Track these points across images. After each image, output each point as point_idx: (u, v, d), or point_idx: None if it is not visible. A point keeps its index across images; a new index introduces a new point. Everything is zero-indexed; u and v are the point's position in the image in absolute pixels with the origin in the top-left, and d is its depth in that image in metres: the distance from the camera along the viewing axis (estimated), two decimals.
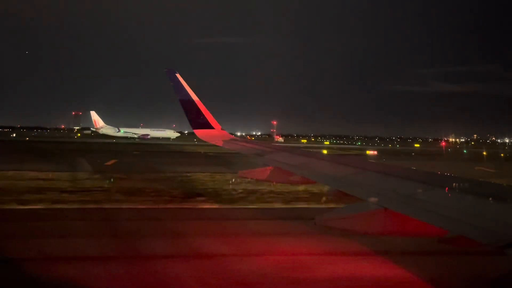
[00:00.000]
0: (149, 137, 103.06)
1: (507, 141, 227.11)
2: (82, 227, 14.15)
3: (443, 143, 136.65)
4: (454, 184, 5.14)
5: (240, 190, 21.92)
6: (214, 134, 14.59)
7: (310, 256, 12.01)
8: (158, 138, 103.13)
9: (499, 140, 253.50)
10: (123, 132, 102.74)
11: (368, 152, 70.59)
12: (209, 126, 14.63)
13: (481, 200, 4.35)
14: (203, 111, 14.52)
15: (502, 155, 74.94)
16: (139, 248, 12.03)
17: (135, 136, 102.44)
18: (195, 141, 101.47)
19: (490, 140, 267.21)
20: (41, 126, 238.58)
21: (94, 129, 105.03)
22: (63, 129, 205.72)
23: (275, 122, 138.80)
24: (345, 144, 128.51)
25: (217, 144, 14.31)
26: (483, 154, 75.44)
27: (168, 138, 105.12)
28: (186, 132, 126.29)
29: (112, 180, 24.44)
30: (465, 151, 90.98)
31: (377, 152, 68.66)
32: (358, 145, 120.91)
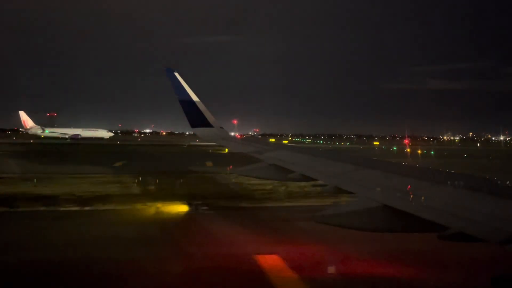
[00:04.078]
0: (80, 137, 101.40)
1: (501, 138, 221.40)
2: None
3: (406, 141, 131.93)
4: (453, 180, 5.12)
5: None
6: (213, 133, 14.61)
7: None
8: (91, 138, 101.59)
9: (493, 138, 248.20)
10: (48, 132, 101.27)
11: None
12: (208, 125, 14.54)
13: (481, 197, 4.35)
14: (202, 110, 14.48)
15: (422, 151, 70.90)
16: None
17: (66, 136, 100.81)
18: (139, 140, 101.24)
19: (485, 138, 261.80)
20: None
21: (23, 130, 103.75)
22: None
23: (235, 121, 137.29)
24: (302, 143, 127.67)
25: (216, 142, 14.61)
26: (406, 152, 72.37)
27: (102, 138, 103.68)
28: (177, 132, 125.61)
29: None
30: (394, 148, 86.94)
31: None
32: (320, 143, 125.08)
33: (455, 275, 10.84)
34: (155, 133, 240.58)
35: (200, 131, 14.78)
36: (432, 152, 71.05)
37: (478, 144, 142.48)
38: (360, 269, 11.26)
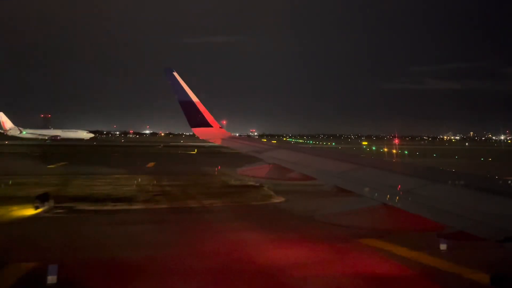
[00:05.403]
0: (59, 138, 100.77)
1: (502, 138, 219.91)
2: None
3: (396, 141, 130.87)
4: (453, 179, 5.06)
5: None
6: (213, 133, 14.68)
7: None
8: (70, 139, 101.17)
9: (494, 138, 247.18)
10: (25, 133, 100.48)
11: None
12: (208, 125, 14.61)
13: (480, 195, 4.31)
14: (201, 110, 14.50)
15: (397, 151, 70.18)
16: None
17: (45, 137, 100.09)
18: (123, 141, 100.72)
19: (486, 138, 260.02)
20: None
21: (1, 131, 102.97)
22: None
23: (224, 122, 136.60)
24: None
25: (215, 142, 14.74)
26: (381, 151, 71.12)
27: (81, 139, 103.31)
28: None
29: None
30: (373, 148, 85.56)
31: None
32: (310, 143, 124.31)
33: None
34: (153, 134, 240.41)
35: (199, 131, 14.76)
36: (406, 152, 69.85)
37: (467, 144, 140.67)
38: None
